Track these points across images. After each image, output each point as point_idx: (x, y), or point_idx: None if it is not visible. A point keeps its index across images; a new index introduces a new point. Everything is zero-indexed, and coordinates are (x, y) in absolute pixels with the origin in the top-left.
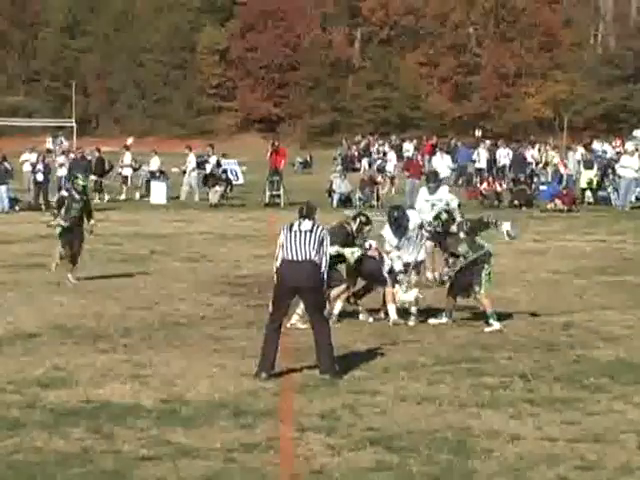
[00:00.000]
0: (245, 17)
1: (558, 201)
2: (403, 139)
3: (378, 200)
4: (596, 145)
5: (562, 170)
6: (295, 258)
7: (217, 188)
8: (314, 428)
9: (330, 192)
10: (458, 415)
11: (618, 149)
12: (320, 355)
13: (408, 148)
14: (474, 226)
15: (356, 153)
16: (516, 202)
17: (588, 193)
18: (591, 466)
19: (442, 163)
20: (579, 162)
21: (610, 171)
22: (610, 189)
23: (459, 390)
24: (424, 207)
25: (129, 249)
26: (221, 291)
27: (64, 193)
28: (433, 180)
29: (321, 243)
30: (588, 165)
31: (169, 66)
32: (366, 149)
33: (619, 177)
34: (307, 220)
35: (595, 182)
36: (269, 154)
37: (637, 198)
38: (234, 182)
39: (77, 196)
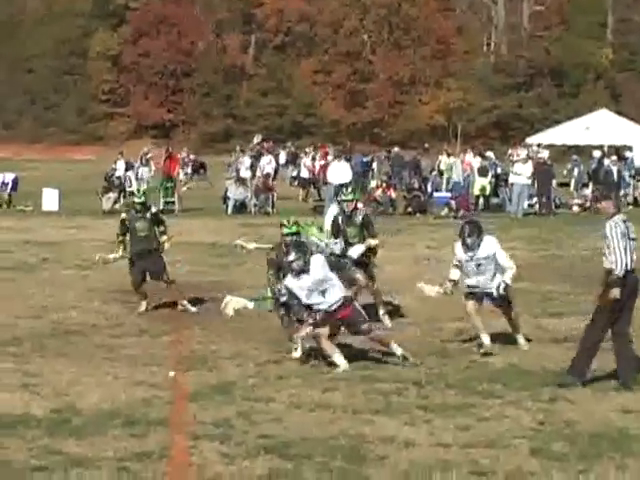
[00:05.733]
0: (137, 23)
1: (453, 205)
2: (298, 147)
3: (273, 207)
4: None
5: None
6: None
7: (110, 195)
8: (208, 436)
9: (225, 199)
10: (352, 422)
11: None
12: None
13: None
14: None
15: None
16: (410, 209)
17: (481, 200)
18: (484, 471)
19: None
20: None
21: (502, 180)
22: (504, 195)
23: (353, 397)
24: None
25: (19, 257)
26: (113, 299)
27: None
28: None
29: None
30: (482, 172)
31: (59, 72)
32: (258, 156)
33: (511, 185)
34: None
35: (489, 189)
36: (163, 161)
37: (529, 205)
38: (127, 189)
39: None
